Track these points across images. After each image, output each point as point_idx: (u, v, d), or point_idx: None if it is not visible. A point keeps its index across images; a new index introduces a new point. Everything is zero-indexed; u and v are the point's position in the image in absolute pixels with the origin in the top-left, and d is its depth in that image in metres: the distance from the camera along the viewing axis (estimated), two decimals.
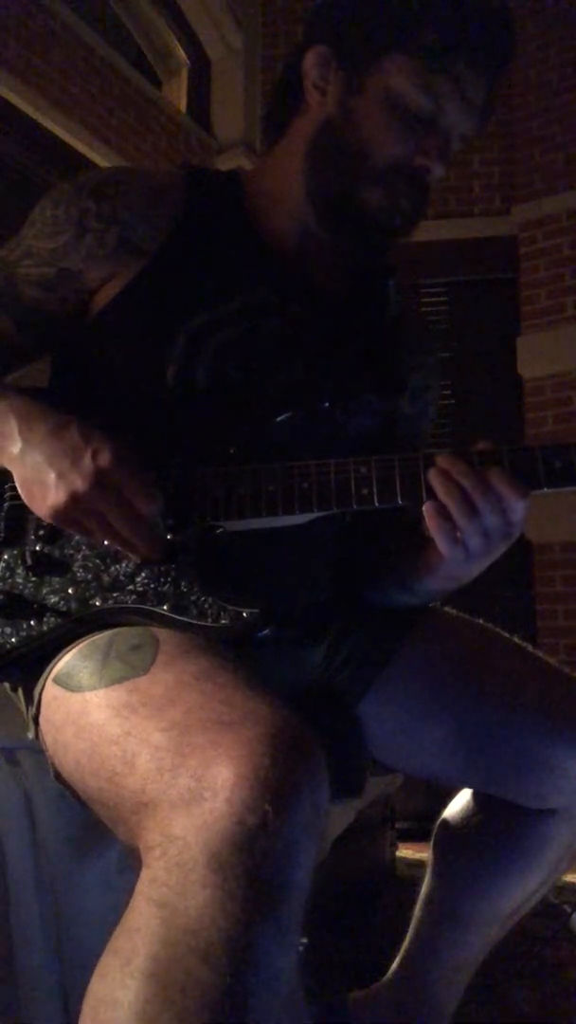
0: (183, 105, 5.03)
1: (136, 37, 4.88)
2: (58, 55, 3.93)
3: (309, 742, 0.71)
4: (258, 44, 4.94)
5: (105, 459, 0.88)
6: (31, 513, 0.97)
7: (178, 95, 5.07)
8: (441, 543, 0.94)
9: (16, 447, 0.93)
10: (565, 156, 4.38)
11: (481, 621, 1.19)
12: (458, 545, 0.94)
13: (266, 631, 0.97)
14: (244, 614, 0.92)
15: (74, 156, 4.01)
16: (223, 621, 0.92)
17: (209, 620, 0.92)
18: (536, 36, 4.54)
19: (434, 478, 0.92)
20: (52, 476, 0.89)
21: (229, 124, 4.92)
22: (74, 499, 0.88)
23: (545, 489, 0.91)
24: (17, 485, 0.94)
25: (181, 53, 5.08)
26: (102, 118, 4.16)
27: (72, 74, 4.00)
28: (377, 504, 0.93)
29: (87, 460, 0.88)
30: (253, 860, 0.64)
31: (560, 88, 4.46)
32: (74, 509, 0.89)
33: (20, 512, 0.99)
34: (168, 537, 0.96)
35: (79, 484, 0.88)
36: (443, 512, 0.92)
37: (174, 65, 5.11)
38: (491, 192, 4.58)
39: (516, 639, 1.16)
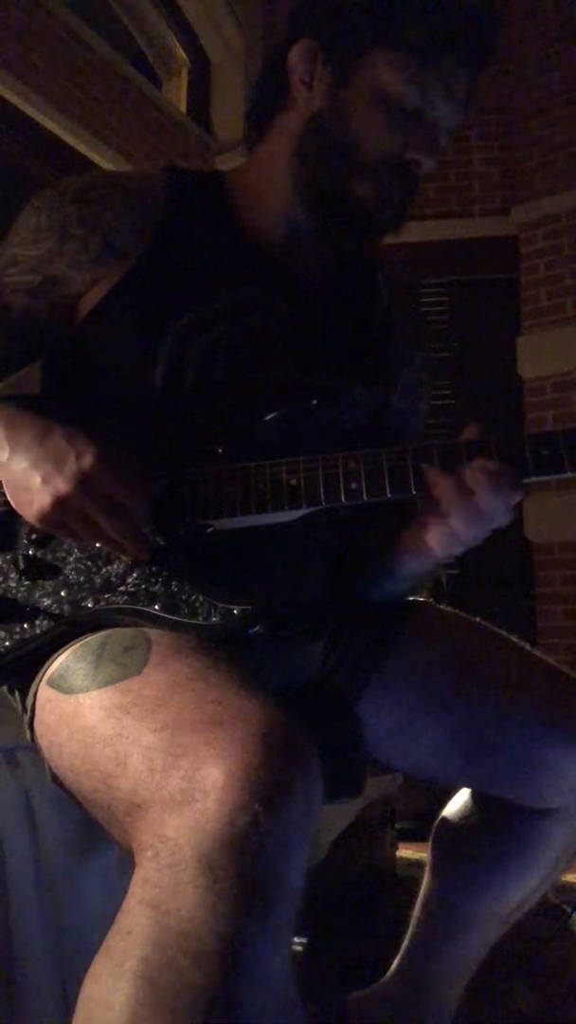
0: (183, 105, 5.04)
1: (136, 37, 4.89)
2: (58, 55, 3.94)
3: (301, 741, 0.71)
4: (258, 44, 4.93)
5: (88, 461, 0.89)
6: (22, 518, 0.97)
7: (178, 95, 5.08)
8: (436, 541, 0.96)
9: (3, 454, 0.93)
10: (565, 156, 4.38)
11: (479, 620, 1.19)
12: (454, 541, 0.95)
13: (257, 628, 0.97)
14: (235, 611, 0.92)
15: (74, 156, 4.02)
16: (214, 619, 0.92)
17: (200, 618, 0.92)
18: (536, 37, 4.54)
19: (437, 479, 0.92)
20: (37, 481, 0.90)
21: (229, 124, 4.93)
22: (59, 502, 0.89)
23: (533, 477, 0.91)
24: (5, 491, 0.95)
25: (181, 53, 5.09)
26: (102, 118, 4.16)
27: (72, 74, 4.01)
28: (366, 498, 0.93)
29: (71, 463, 0.89)
30: (244, 861, 0.64)
31: (560, 88, 4.46)
32: (60, 512, 0.90)
33: (11, 517, 1.00)
34: (157, 537, 0.96)
35: (63, 487, 0.89)
36: (442, 514, 0.93)
37: (174, 65, 5.12)
38: (491, 192, 4.58)
39: (515, 639, 1.16)
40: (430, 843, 1.23)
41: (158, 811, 0.68)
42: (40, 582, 0.99)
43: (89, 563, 0.98)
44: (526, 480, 0.91)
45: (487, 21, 1.07)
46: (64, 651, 0.92)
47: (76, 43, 4.06)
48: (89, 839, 1.04)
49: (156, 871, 0.65)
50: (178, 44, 5.07)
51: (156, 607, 0.94)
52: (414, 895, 1.24)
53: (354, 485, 0.93)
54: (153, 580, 0.95)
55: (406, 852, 2.26)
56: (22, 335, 1.10)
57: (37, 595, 0.98)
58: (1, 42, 3.63)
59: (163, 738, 0.73)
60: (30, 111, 3.78)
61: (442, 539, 0.96)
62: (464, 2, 1.04)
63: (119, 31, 4.73)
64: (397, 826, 2.21)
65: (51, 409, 0.97)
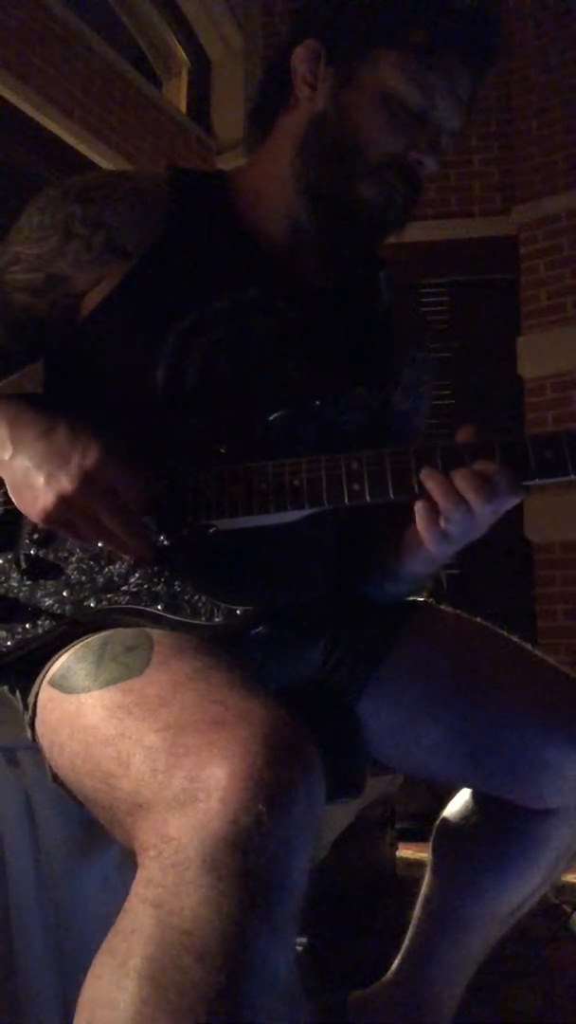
0: (183, 105, 5.04)
1: (136, 37, 4.89)
2: (58, 55, 3.94)
3: (304, 741, 0.71)
4: (258, 44, 4.93)
5: (92, 459, 0.89)
6: (24, 518, 0.97)
7: (178, 95, 5.09)
8: (428, 540, 0.94)
9: (7, 453, 0.93)
10: (565, 156, 4.38)
11: (479, 619, 1.19)
12: (445, 540, 0.94)
13: (260, 629, 0.97)
14: (237, 612, 0.92)
15: (74, 156, 4.02)
16: (217, 619, 0.92)
17: (203, 619, 0.93)
18: (536, 36, 4.54)
19: (429, 479, 0.91)
20: (40, 479, 0.90)
21: (229, 124, 4.93)
22: (63, 500, 0.89)
23: (536, 480, 0.90)
24: (8, 490, 0.94)
25: (181, 53, 5.09)
26: (102, 118, 4.16)
27: (72, 74, 4.01)
28: (368, 499, 0.93)
29: (74, 461, 0.89)
30: (248, 860, 0.64)
31: (560, 88, 4.46)
32: (64, 510, 0.89)
33: (13, 517, 0.99)
34: (160, 537, 0.96)
35: (67, 485, 0.88)
36: (434, 512, 0.91)
37: (174, 65, 5.12)
38: (491, 192, 4.58)
39: (516, 639, 1.16)
40: (430, 843, 1.23)
41: (161, 811, 0.68)
42: (42, 582, 0.99)
43: (91, 563, 0.98)
44: (528, 483, 0.91)
45: (490, 22, 1.07)
46: (66, 651, 0.92)
47: (76, 43, 4.06)
48: (89, 839, 1.04)
49: (159, 871, 0.65)
50: (178, 44, 5.07)
51: (159, 607, 0.94)
52: (414, 895, 1.24)
53: (357, 486, 0.93)
54: (156, 580, 0.95)
55: (406, 852, 2.25)
56: (24, 333, 1.10)
57: (39, 595, 0.98)
58: (1, 42, 3.63)
59: (165, 738, 0.73)
60: (30, 111, 3.78)
61: (434, 539, 0.94)
62: (467, 3, 1.04)
63: (119, 31, 4.73)
64: (397, 826, 2.21)
65: (54, 408, 0.97)
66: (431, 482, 0.91)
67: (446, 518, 0.91)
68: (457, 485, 0.90)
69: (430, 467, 0.91)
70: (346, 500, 0.93)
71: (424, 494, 0.92)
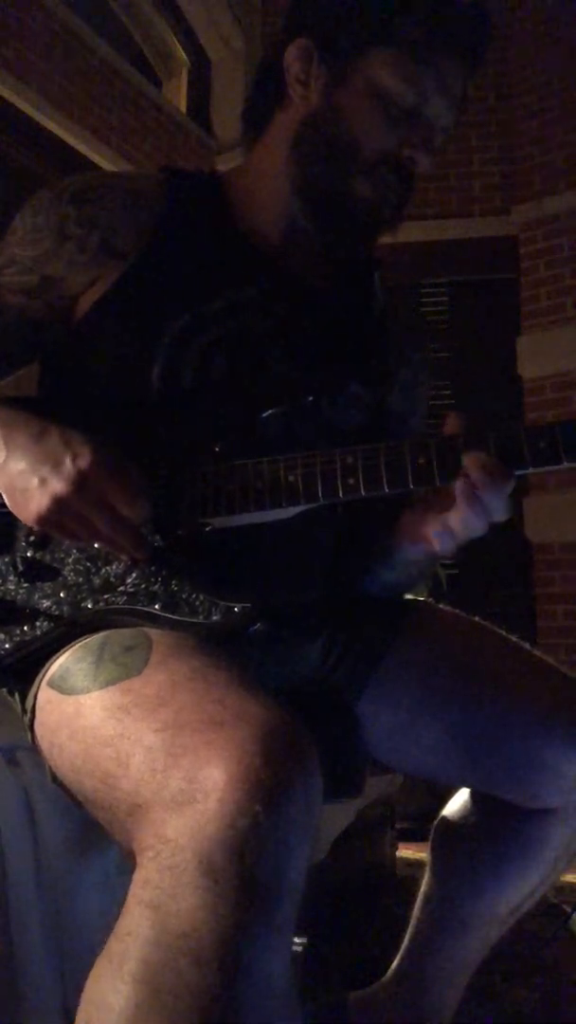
0: (183, 105, 5.04)
1: (136, 37, 4.89)
2: (58, 55, 3.94)
3: (302, 741, 0.71)
4: (258, 44, 4.94)
5: (86, 462, 0.89)
6: (20, 520, 0.97)
7: (178, 95, 5.09)
8: (437, 540, 0.96)
9: (0, 456, 0.93)
10: (565, 156, 4.39)
11: (478, 619, 1.19)
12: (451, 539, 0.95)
13: (258, 626, 0.97)
14: (235, 609, 0.92)
15: (74, 156, 4.02)
16: (215, 617, 0.92)
17: (201, 617, 0.93)
18: (536, 36, 4.54)
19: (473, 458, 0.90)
20: (35, 482, 0.90)
21: (229, 124, 4.93)
22: (57, 503, 0.89)
23: (531, 469, 0.91)
24: (3, 493, 0.94)
25: (181, 53, 5.09)
26: (102, 118, 4.16)
27: (72, 74, 4.01)
28: (364, 493, 0.93)
29: (68, 464, 0.89)
30: (244, 862, 0.63)
31: (560, 88, 4.46)
32: (58, 513, 0.90)
33: (9, 520, 0.99)
34: (156, 537, 0.96)
35: (61, 488, 0.88)
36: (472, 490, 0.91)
37: (174, 65, 5.12)
38: (491, 192, 4.58)
39: (515, 639, 1.16)
40: (430, 843, 1.23)
41: (159, 811, 0.68)
42: (39, 584, 0.99)
43: (88, 564, 0.98)
44: (523, 472, 0.91)
45: (481, 20, 1.08)
46: (64, 652, 0.92)
47: (76, 43, 4.06)
48: (89, 839, 1.04)
49: (156, 872, 0.65)
50: (178, 44, 5.07)
51: (156, 606, 0.94)
52: (414, 895, 1.24)
53: (351, 480, 0.93)
54: (153, 579, 0.95)
55: (406, 852, 2.25)
56: (20, 335, 1.10)
57: (36, 597, 0.98)
58: (1, 42, 3.63)
59: (164, 738, 0.73)
60: (30, 111, 3.78)
61: (441, 535, 0.95)
62: (457, 2, 1.05)
63: (119, 31, 4.72)
64: (397, 826, 2.21)
65: (49, 409, 0.97)
66: (472, 462, 0.90)
67: (463, 512, 0.91)
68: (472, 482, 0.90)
69: (430, 462, 0.92)
70: (341, 495, 0.94)
71: (464, 474, 0.91)
